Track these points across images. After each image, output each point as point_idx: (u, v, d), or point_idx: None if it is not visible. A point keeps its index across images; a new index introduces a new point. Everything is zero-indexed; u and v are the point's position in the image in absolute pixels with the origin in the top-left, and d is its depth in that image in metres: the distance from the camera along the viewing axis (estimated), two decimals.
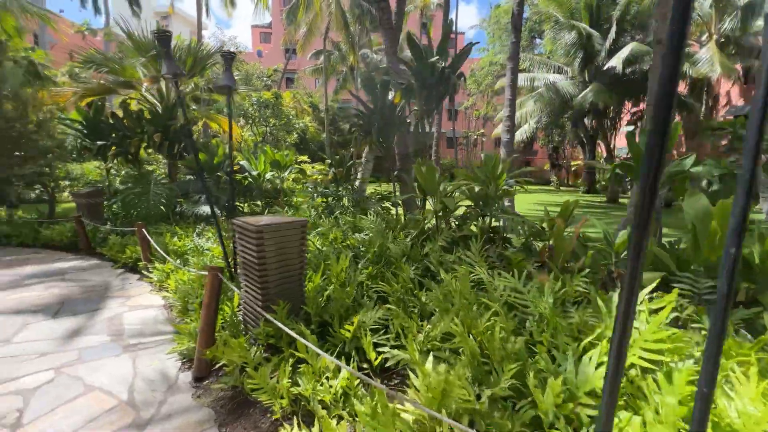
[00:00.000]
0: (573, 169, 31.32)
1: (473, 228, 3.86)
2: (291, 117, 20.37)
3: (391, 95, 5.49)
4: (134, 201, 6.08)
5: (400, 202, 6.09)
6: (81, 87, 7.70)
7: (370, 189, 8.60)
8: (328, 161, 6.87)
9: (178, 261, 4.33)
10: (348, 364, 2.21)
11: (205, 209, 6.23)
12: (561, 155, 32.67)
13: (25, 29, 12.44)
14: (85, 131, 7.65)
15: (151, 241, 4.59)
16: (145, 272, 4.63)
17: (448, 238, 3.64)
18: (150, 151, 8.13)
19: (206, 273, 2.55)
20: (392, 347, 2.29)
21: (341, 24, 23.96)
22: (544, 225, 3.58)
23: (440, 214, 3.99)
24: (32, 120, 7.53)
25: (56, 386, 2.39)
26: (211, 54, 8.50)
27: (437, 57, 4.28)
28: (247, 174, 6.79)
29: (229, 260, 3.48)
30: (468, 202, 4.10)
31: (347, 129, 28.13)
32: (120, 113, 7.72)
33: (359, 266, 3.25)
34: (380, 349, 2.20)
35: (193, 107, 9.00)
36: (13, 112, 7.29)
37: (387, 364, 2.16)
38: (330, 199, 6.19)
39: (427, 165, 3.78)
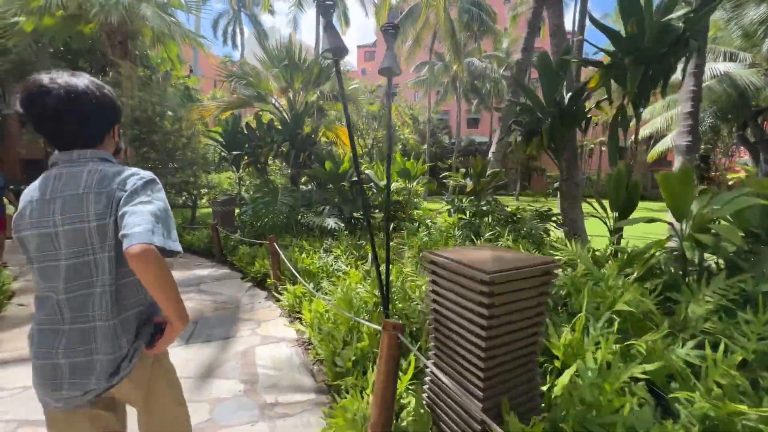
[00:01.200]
0: (731, 182, 24.70)
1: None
2: (397, 128, 20.21)
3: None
4: (262, 210, 5.89)
5: (562, 222, 4.66)
6: (222, 101, 8.16)
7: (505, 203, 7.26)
8: (463, 169, 5.82)
9: (311, 285, 3.70)
10: None
11: (330, 222, 5.72)
12: (711, 166, 26.24)
13: (185, 60, 14.49)
14: (223, 143, 8.06)
15: (282, 256, 4.10)
16: (275, 292, 4.15)
17: (728, 291, 2.18)
18: (274, 161, 8.20)
19: (381, 330, 1.66)
20: None
21: (448, 32, 23.21)
22: None
23: (695, 248, 2.53)
24: (184, 134, 8.21)
25: None
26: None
27: (683, 12, 2.82)
28: (372, 184, 6.16)
29: (382, 292, 2.61)
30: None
31: (446, 140, 26.79)
32: (254, 125, 7.96)
33: (589, 333, 2.03)
34: None
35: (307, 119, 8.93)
36: (170, 127, 8.06)
37: None
38: (470, 214, 5.10)
39: (683, 169, 2.39)
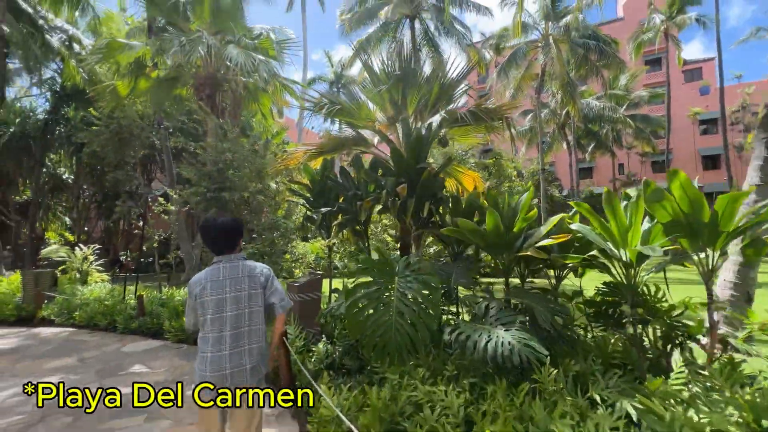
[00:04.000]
0: None
1: None
2: (512, 178, 16.84)
3: None
4: (366, 310, 2.96)
5: None
6: (311, 145, 6.07)
7: None
8: None
9: None
10: None
11: (514, 344, 2.43)
12: None
13: (284, 127, 13.95)
14: (310, 197, 5.76)
15: None
16: None
17: None
18: (381, 218, 5.51)
19: None
20: None
21: (562, 71, 20.03)
22: None
23: None
24: (269, 192, 6.22)
25: None
26: (459, 80, 5.73)
27: None
28: (594, 253, 2.83)
29: None
30: None
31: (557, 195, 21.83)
32: (352, 170, 5.57)
33: None
34: None
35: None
36: (246, 182, 6.16)
37: None
38: None
39: None
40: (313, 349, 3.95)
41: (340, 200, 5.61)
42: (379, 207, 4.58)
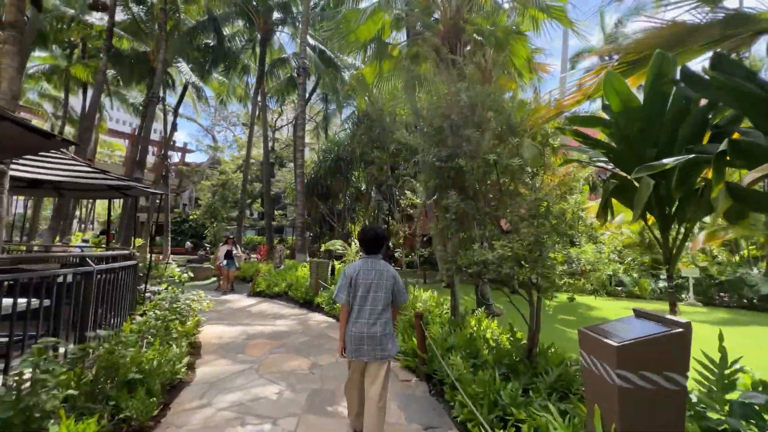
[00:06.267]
0: None
1: None
2: None
3: None
4: None
5: None
6: (615, 47, 3.14)
7: None
8: None
9: None
10: None
11: None
12: None
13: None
14: (614, 144, 2.85)
15: None
16: None
17: None
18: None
19: None
20: None
21: None
22: None
23: None
24: (522, 150, 3.83)
25: None
26: None
27: None
28: None
29: None
30: None
31: None
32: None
33: None
34: None
35: None
36: (500, 146, 3.96)
37: None
38: None
39: None
40: None
41: (705, 140, 2.41)
42: None
